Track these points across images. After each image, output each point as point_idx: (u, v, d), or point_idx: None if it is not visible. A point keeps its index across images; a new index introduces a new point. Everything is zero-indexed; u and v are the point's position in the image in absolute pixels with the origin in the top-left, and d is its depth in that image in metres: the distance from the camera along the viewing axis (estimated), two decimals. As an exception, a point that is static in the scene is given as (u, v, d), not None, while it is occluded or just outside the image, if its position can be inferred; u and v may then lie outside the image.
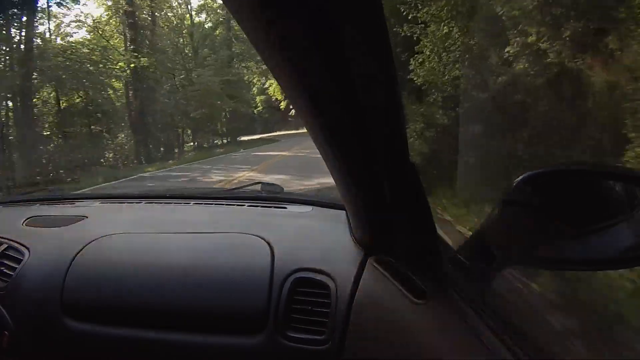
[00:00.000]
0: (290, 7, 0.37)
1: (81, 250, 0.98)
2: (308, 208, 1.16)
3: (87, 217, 1.18)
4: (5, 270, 1.00)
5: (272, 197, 1.27)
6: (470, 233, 0.69)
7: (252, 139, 20.02)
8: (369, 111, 0.49)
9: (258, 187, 1.36)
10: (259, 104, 24.57)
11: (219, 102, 16.75)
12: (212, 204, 1.29)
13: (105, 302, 0.91)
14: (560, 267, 0.65)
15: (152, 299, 0.88)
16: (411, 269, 0.69)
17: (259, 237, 0.93)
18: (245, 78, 21.48)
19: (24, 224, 1.17)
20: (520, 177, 0.56)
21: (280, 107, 22.33)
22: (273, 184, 1.36)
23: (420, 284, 0.66)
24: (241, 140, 19.46)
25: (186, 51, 17.56)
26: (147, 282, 0.90)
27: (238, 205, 1.23)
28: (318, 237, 0.97)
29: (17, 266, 1.00)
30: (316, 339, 0.78)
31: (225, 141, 19.20)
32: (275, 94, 22.26)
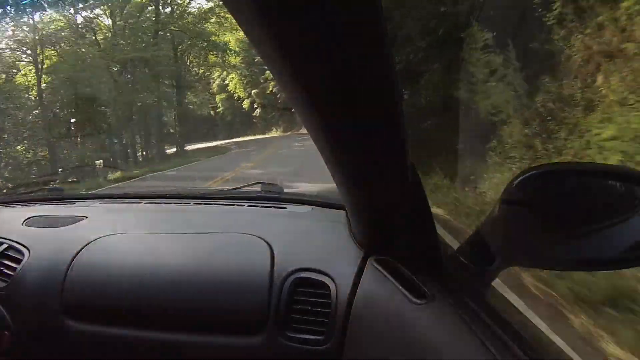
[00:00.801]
0: (290, 7, 0.37)
1: (81, 250, 0.98)
2: (308, 208, 1.16)
3: (87, 217, 1.18)
4: (5, 271, 1.00)
5: (272, 197, 1.26)
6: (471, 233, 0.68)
7: (197, 149, 15.61)
8: (369, 110, 0.49)
9: (258, 187, 1.36)
10: (219, 104, 19.70)
11: (126, 97, 11.31)
12: (212, 204, 1.29)
13: (105, 302, 0.91)
14: (560, 267, 0.65)
15: (152, 299, 0.88)
16: (411, 269, 0.69)
17: (259, 237, 0.93)
18: (200, 72, 17.04)
19: (24, 224, 1.17)
20: (520, 177, 0.56)
21: (244, 107, 18.28)
22: (273, 184, 1.36)
23: (420, 284, 0.65)
24: (186, 150, 15.01)
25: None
26: (147, 282, 0.90)
27: (238, 205, 1.22)
28: (318, 237, 0.97)
29: (17, 266, 1.00)
30: (316, 339, 0.78)
31: (144, 154, 13.58)
32: (237, 90, 18.25)
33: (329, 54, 0.42)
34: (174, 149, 15.02)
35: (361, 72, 0.44)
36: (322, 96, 0.47)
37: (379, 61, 0.44)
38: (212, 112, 19.76)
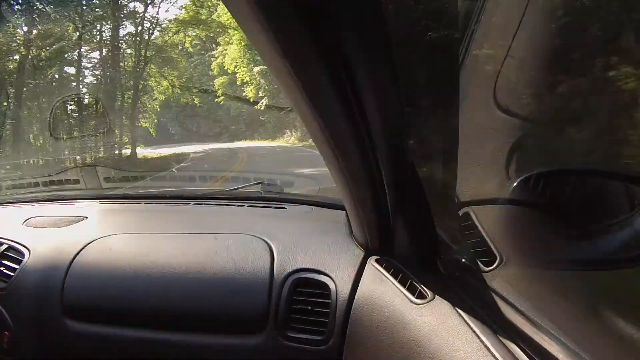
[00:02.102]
0: (290, 9, 0.37)
1: (81, 250, 0.98)
2: (308, 208, 1.16)
3: (87, 218, 1.18)
4: (5, 271, 1.00)
5: (272, 197, 1.26)
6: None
7: (144, 157, 10.59)
8: (369, 112, 0.49)
9: (258, 187, 1.36)
10: (218, 91, 13.21)
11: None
12: (212, 204, 1.29)
13: (105, 303, 0.91)
14: (560, 267, 0.65)
15: (152, 300, 0.88)
16: (411, 269, 0.69)
17: (259, 237, 0.93)
18: (185, 42, 11.51)
19: (24, 224, 1.17)
20: (521, 177, 0.56)
21: (248, 98, 11.66)
22: (273, 184, 1.36)
23: (420, 284, 0.66)
24: (134, 157, 10.26)
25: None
26: (147, 282, 0.90)
27: (238, 205, 1.23)
28: (318, 237, 0.97)
29: (17, 267, 1.00)
30: (316, 339, 0.78)
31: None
32: (239, 70, 11.75)
33: (328, 55, 0.42)
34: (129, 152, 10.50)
35: (361, 73, 0.44)
36: (321, 97, 0.47)
37: (379, 62, 0.44)
38: (196, 101, 12.81)
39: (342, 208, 0.98)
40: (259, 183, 1.37)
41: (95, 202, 1.41)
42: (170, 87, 11.39)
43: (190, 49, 12.47)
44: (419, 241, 0.68)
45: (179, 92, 11.88)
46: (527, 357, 0.50)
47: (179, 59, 11.84)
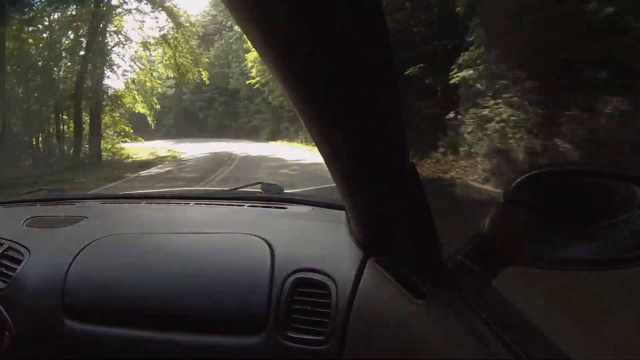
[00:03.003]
0: (290, 9, 0.37)
1: (81, 250, 0.98)
2: (308, 208, 1.17)
3: (87, 218, 1.18)
4: (5, 271, 1.00)
5: (272, 197, 1.27)
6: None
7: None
8: (368, 111, 0.49)
9: (258, 187, 1.36)
10: (252, 69, 9.25)
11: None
12: (212, 204, 1.29)
13: (106, 303, 0.91)
14: (560, 267, 0.65)
15: (152, 300, 0.88)
16: (411, 269, 0.69)
17: (259, 237, 0.93)
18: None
19: (24, 224, 1.17)
20: (521, 177, 0.56)
21: None
22: (273, 184, 1.36)
23: (420, 284, 0.65)
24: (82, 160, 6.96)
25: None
26: (147, 282, 0.90)
27: (238, 205, 1.23)
28: (318, 237, 0.97)
29: (17, 267, 1.00)
30: (316, 339, 0.78)
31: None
32: None
33: (328, 54, 0.42)
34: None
35: (361, 72, 0.44)
36: (321, 96, 0.48)
37: (379, 62, 0.44)
38: (204, 77, 8.48)
39: (342, 208, 0.99)
40: (259, 183, 1.37)
41: (95, 202, 1.41)
42: (171, 57, 7.57)
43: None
44: (419, 241, 0.68)
45: (185, 65, 7.69)
46: (528, 356, 0.50)
47: (186, 15, 7.88)
